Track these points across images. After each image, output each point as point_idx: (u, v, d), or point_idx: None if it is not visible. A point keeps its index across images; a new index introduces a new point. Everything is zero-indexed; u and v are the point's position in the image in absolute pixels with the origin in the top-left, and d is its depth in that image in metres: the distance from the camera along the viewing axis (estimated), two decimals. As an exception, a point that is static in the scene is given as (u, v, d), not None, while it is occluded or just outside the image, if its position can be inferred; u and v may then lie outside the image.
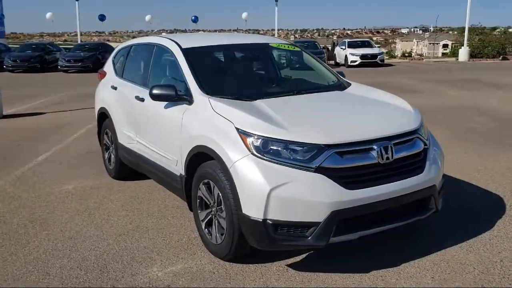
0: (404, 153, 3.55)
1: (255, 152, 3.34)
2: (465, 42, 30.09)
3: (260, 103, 3.88)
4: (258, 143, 3.36)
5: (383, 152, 3.40)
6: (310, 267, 3.61)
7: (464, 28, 33.15)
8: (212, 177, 3.65)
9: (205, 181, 3.79)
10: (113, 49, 26.77)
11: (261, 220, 3.26)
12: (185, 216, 4.70)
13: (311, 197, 3.21)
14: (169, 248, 4.03)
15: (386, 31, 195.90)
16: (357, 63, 25.68)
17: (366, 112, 3.97)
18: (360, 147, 3.38)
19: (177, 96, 4.14)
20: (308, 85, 4.64)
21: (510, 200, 4.91)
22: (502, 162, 6.40)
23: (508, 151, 7.00)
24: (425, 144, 3.75)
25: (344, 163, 3.31)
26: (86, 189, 5.68)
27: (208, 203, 3.83)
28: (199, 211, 3.97)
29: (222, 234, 3.68)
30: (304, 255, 3.78)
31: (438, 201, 3.78)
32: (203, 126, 3.81)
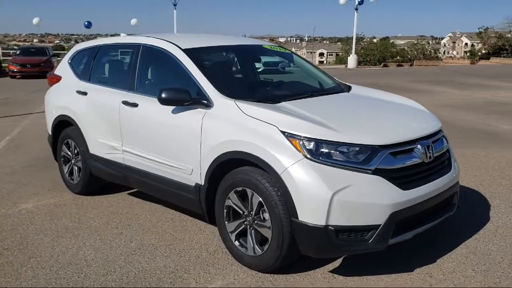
0: (438, 151, 3.65)
1: (308, 156, 3.20)
2: (353, 50, 32.25)
3: (287, 105, 3.74)
4: (310, 146, 3.22)
5: (427, 150, 3.47)
6: (353, 272, 3.54)
7: (348, 37, 35.56)
8: (251, 184, 3.42)
9: (238, 189, 3.55)
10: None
11: (322, 227, 3.13)
12: (187, 229, 4.36)
13: (371, 199, 3.16)
14: (194, 265, 3.70)
15: (265, 39, 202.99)
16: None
17: (397, 113, 4.03)
18: (408, 147, 3.41)
19: (192, 99, 3.84)
20: (316, 88, 4.58)
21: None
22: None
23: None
24: (447, 142, 3.90)
25: (397, 163, 3.31)
26: (51, 207, 5.02)
27: (241, 212, 3.59)
28: (226, 222, 3.70)
29: (262, 245, 3.47)
30: (339, 261, 3.71)
31: (458, 197, 3.95)
32: (234, 131, 3.56)
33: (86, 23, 29.59)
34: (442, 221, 3.71)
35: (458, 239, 4.05)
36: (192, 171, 3.89)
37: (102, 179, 5.12)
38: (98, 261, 3.78)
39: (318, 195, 3.11)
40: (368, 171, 3.19)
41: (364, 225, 3.17)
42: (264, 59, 5.26)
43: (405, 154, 3.38)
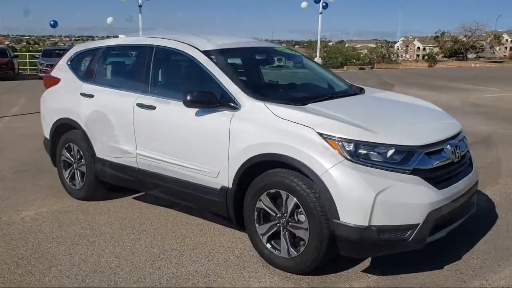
0: (462, 151, 3.77)
1: (348, 157, 3.23)
2: (318, 53, 32.75)
3: (315, 106, 3.76)
4: (350, 147, 3.26)
5: (455, 150, 3.58)
6: (386, 271, 3.59)
7: (311, 41, 36.08)
8: (286, 186, 3.42)
9: (272, 191, 3.53)
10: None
11: (365, 227, 3.16)
12: (207, 233, 4.30)
13: (411, 199, 3.22)
14: (226, 268, 3.65)
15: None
16: None
17: (421, 114, 4.12)
18: (439, 147, 3.49)
19: (218, 102, 3.80)
20: (333, 90, 4.62)
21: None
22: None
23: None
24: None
25: (432, 163, 3.39)
26: (55, 214, 4.84)
27: (274, 214, 3.58)
28: (257, 225, 3.68)
29: (296, 247, 3.47)
30: (368, 260, 3.75)
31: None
32: (267, 133, 3.54)
33: (52, 22, 28.59)
34: (466, 219, 3.82)
35: (475, 237, 4.18)
36: (218, 174, 3.85)
37: (107, 184, 4.98)
38: (124, 268, 3.67)
39: (362, 196, 3.15)
40: (406, 171, 3.25)
41: (404, 224, 3.22)
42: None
43: (437, 154, 3.46)
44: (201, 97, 3.78)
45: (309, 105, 3.78)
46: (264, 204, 3.60)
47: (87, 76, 5.10)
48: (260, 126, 3.60)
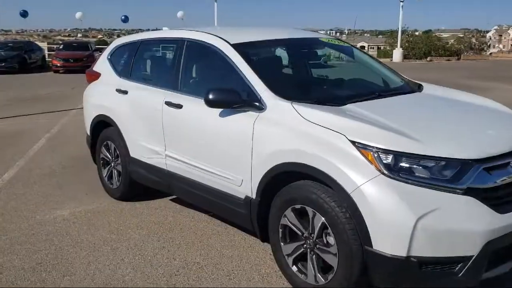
0: None
1: (386, 172, 2.67)
2: (399, 43, 31.12)
3: (353, 107, 3.21)
4: (388, 159, 2.69)
5: None
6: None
7: (391, 30, 34.41)
8: (313, 202, 2.93)
9: (297, 206, 3.06)
10: (40, 48, 24.93)
11: (403, 258, 2.60)
12: (235, 245, 3.91)
13: (462, 226, 2.60)
14: (246, 291, 3.24)
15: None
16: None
17: (484, 118, 3.43)
18: (503, 161, 2.82)
19: (242, 101, 3.37)
20: (382, 87, 4.02)
21: None
22: None
23: None
24: None
25: (492, 181, 2.73)
26: (88, 214, 4.67)
27: (299, 233, 3.10)
28: (282, 244, 3.22)
29: (325, 273, 2.97)
30: None
31: None
32: (291, 138, 3.06)
33: (122, 17, 29.55)
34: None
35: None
36: (241, 182, 3.43)
37: (143, 184, 4.73)
38: (137, 282, 3.37)
39: (399, 220, 2.58)
40: (458, 190, 2.63)
41: (453, 256, 2.62)
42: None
43: (500, 170, 2.79)
44: (222, 96, 3.37)
45: (348, 105, 3.24)
46: (289, 221, 3.14)
47: (124, 71, 4.88)
48: (284, 130, 3.12)
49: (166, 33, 4.67)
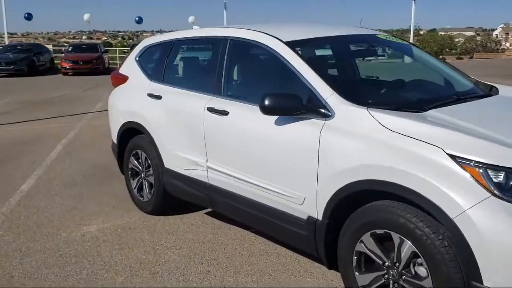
0: None
1: (497, 193, 2.23)
2: (411, 41, 30.64)
3: (438, 114, 2.77)
4: (500, 178, 2.25)
5: None
6: None
7: (402, 29, 33.88)
8: (400, 227, 2.49)
9: (378, 231, 2.61)
10: (48, 50, 24.59)
11: (523, 297, 2.15)
12: (289, 269, 3.48)
13: None
14: (314, 327, 2.80)
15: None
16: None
17: None
18: None
19: (305, 107, 2.93)
20: (456, 89, 3.57)
21: None
22: None
23: None
24: None
25: None
26: (118, 231, 4.25)
27: (380, 262, 2.66)
28: (356, 273, 2.78)
29: None
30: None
31: None
32: (372, 151, 2.62)
33: (136, 18, 29.25)
34: None
35: None
36: (304, 200, 2.99)
37: (178, 198, 4.31)
38: (187, 316, 2.94)
39: None
40: None
41: None
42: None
43: None
44: (282, 101, 2.94)
45: (430, 112, 2.80)
46: (367, 248, 2.69)
47: (155, 74, 4.45)
48: (361, 141, 2.68)
49: (204, 31, 4.22)
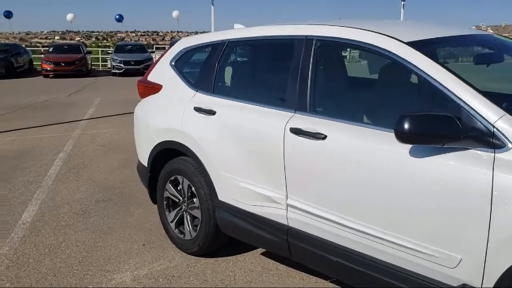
0: None
1: None
2: None
3: None
4: None
5: None
6: None
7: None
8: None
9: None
10: (26, 51, 23.20)
11: None
12: None
13: None
14: None
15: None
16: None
17: None
18: None
19: (464, 136, 2.12)
20: None
21: None
22: None
23: None
24: None
25: None
26: (159, 280, 3.38)
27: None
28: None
29: None
30: None
31: None
32: None
33: (117, 16, 27.95)
34: None
35: None
36: (459, 263, 2.18)
37: (231, 237, 3.45)
38: None
39: None
40: None
41: None
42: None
43: None
44: (432, 126, 2.12)
45: None
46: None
47: (202, 82, 3.58)
48: None
49: (272, 30, 3.33)
